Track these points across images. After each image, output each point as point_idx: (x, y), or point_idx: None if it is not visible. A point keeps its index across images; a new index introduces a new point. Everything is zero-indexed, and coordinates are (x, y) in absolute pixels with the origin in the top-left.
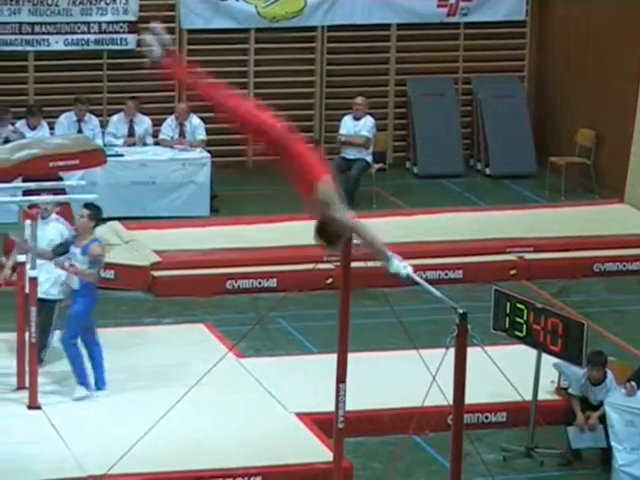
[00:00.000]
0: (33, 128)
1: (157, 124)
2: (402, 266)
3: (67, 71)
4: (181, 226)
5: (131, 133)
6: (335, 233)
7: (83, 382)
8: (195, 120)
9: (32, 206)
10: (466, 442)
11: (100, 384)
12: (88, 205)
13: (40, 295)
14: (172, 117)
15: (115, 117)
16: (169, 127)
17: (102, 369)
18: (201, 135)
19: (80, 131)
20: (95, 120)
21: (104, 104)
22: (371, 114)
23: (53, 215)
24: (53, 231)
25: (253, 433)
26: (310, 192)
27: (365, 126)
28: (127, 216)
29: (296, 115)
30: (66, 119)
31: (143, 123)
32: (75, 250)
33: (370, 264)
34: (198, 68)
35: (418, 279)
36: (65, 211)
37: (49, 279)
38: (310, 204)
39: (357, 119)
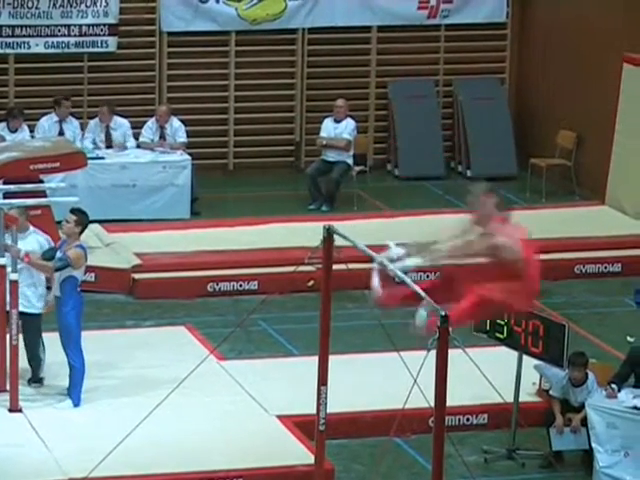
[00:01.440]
0: (14, 131)
1: (138, 127)
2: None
3: (47, 74)
4: (162, 229)
5: (108, 138)
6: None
7: (74, 397)
8: (176, 123)
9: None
10: (447, 444)
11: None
12: (74, 210)
13: (27, 310)
14: (153, 120)
15: (92, 122)
16: (150, 130)
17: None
18: (182, 138)
19: (62, 133)
20: (76, 122)
21: (84, 107)
22: (352, 116)
23: (31, 227)
24: (32, 243)
25: (234, 435)
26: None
27: (346, 128)
28: (108, 219)
29: (277, 118)
30: (47, 121)
31: (121, 127)
32: (59, 255)
33: (351, 266)
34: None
35: (405, 278)
36: (45, 214)
37: (35, 293)
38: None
39: (338, 121)
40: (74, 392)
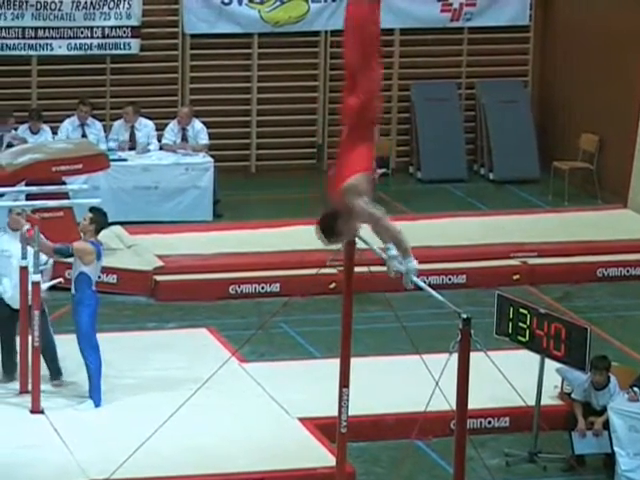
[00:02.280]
0: (35, 132)
1: (160, 129)
2: (414, 262)
3: (70, 76)
4: (184, 231)
5: (132, 139)
6: (337, 226)
7: (95, 397)
8: (198, 125)
9: (35, 211)
10: (469, 447)
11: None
12: (93, 209)
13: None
14: (174, 122)
15: (116, 123)
16: (172, 132)
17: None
18: (204, 140)
19: (84, 135)
20: (98, 124)
21: (107, 109)
22: None
23: (24, 228)
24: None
25: (256, 438)
26: (341, 183)
27: None
28: (130, 220)
29: (299, 120)
30: (70, 124)
31: (145, 127)
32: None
33: (373, 269)
34: None
35: (422, 284)
36: (67, 216)
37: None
38: (337, 192)
39: None
40: (94, 393)
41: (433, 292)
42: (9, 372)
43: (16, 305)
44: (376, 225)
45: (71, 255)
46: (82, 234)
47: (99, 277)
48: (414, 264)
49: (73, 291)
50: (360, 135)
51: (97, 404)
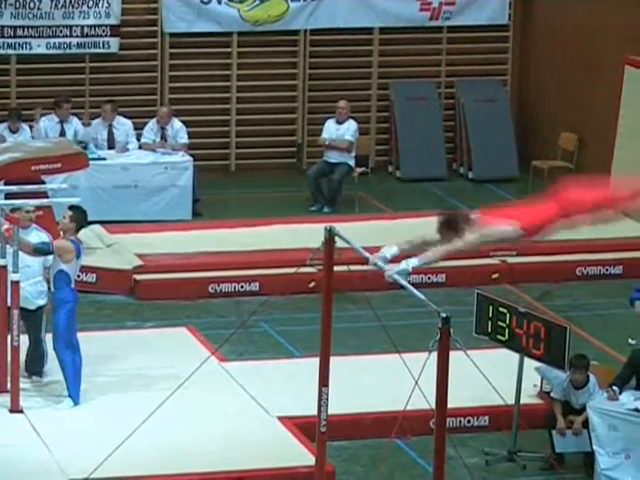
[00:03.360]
0: (14, 132)
1: (139, 127)
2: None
3: (49, 74)
4: (163, 230)
5: (110, 137)
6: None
7: (73, 395)
8: (177, 124)
9: (13, 210)
10: (449, 446)
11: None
12: (72, 207)
13: (26, 306)
14: (154, 121)
15: (94, 122)
16: (151, 131)
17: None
18: (183, 139)
19: (63, 133)
20: (77, 122)
21: (86, 108)
22: (354, 118)
23: (33, 225)
24: (34, 238)
25: (235, 437)
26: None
27: (348, 130)
28: (109, 219)
29: (279, 119)
30: (48, 122)
31: (123, 126)
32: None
33: (352, 268)
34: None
35: (402, 281)
36: (47, 215)
37: (34, 289)
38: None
39: (340, 123)
40: (71, 390)
41: (414, 290)
42: (33, 372)
43: (26, 305)
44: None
45: (51, 253)
46: (62, 232)
47: (78, 276)
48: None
49: (52, 289)
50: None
51: (76, 402)
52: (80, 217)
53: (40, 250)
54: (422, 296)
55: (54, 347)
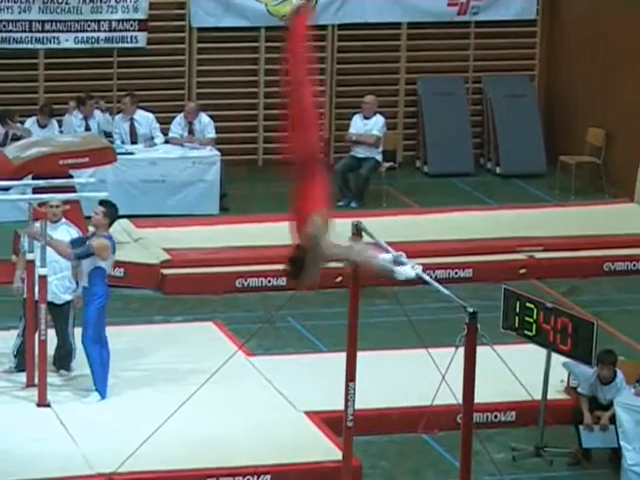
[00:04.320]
0: (43, 126)
1: (167, 122)
2: (410, 268)
3: (77, 69)
4: (191, 224)
5: (132, 131)
6: (305, 266)
7: (100, 389)
8: (204, 118)
9: (41, 204)
10: (475, 441)
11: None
12: (103, 202)
13: (54, 301)
14: (181, 115)
15: (117, 117)
16: (178, 125)
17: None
18: (210, 133)
19: (88, 130)
20: (99, 113)
21: (114, 102)
22: (381, 113)
23: (62, 219)
24: (63, 234)
25: (262, 432)
26: (303, 225)
27: (375, 125)
28: (137, 214)
29: None
30: (73, 119)
31: (145, 119)
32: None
33: None
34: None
35: (428, 278)
36: (74, 209)
37: (61, 284)
38: (300, 236)
39: (367, 118)
40: (98, 385)
41: (439, 286)
42: (60, 367)
43: (53, 299)
44: (349, 257)
45: (92, 254)
46: (95, 228)
47: None
48: (405, 270)
49: (86, 284)
50: (309, 173)
51: (103, 396)
52: (112, 212)
53: (81, 256)
54: (447, 291)
55: (82, 341)
